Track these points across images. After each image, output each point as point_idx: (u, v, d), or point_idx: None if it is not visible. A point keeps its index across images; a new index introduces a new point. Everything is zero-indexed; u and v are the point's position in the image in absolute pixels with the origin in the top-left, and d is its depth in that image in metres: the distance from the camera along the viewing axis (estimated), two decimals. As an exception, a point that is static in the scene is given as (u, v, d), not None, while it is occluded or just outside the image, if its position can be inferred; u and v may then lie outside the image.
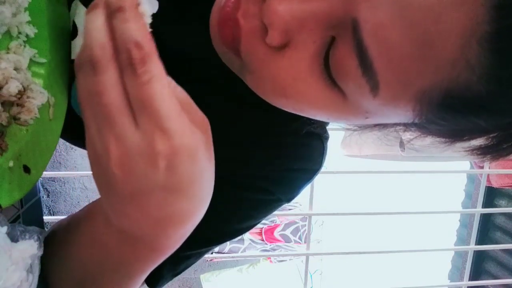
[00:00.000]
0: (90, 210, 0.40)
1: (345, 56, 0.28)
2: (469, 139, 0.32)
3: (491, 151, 0.32)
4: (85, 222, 0.39)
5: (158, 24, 0.41)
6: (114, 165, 0.26)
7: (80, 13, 0.41)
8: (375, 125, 0.38)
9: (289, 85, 0.32)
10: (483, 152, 0.32)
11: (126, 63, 0.25)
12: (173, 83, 0.28)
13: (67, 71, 0.43)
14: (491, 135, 0.31)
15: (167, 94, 0.26)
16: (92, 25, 0.26)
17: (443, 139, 0.33)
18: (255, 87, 0.35)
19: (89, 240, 0.38)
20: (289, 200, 0.49)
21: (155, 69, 0.26)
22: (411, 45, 0.26)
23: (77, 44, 0.42)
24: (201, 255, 0.50)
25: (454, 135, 0.32)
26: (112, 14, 0.26)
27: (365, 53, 0.27)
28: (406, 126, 0.35)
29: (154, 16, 0.40)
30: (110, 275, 0.37)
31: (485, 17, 0.23)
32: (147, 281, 0.47)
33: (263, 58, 0.32)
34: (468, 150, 0.34)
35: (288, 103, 0.34)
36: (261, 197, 0.48)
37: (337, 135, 1.68)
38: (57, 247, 0.40)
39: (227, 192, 0.47)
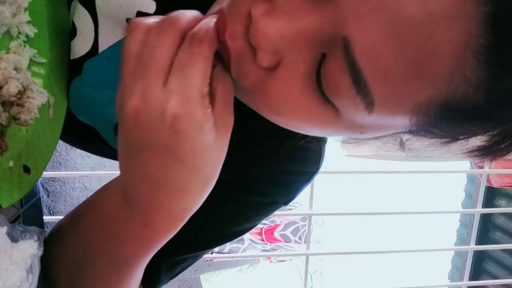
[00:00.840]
0: (99, 191, 0.41)
1: (337, 74, 0.28)
2: (466, 139, 0.32)
3: (489, 152, 0.32)
4: (95, 198, 0.41)
5: None
6: (130, 113, 0.29)
7: (79, 14, 0.41)
8: (371, 138, 0.37)
9: (282, 105, 0.32)
10: (481, 153, 0.32)
11: (190, 36, 0.29)
12: (227, 78, 0.32)
13: (67, 71, 0.43)
14: (488, 135, 0.31)
15: (204, 70, 0.29)
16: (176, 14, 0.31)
17: (440, 141, 0.33)
18: (250, 103, 0.35)
19: (93, 213, 0.39)
20: (286, 202, 0.49)
21: (206, 51, 0.29)
22: (404, 63, 0.25)
23: (77, 44, 0.42)
24: (197, 257, 0.50)
25: (450, 139, 0.32)
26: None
27: (359, 72, 0.27)
28: (403, 133, 0.35)
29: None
30: (106, 256, 0.38)
31: (479, 30, 0.23)
32: (144, 284, 0.47)
33: (254, 79, 0.32)
34: (466, 152, 0.34)
35: (281, 120, 0.34)
36: (258, 199, 0.48)
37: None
38: (61, 233, 0.41)
39: (224, 194, 0.47)
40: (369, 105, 0.28)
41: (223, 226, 0.48)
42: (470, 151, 0.33)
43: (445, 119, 0.28)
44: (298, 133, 0.47)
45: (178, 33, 0.30)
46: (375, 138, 0.37)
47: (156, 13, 0.41)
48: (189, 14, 0.31)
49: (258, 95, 0.33)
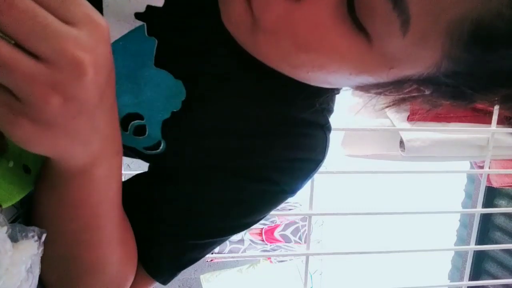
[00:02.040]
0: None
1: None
2: (497, 86, 0.30)
3: None
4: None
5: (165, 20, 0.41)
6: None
7: None
8: (393, 85, 0.35)
9: (311, 37, 0.30)
10: (509, 99, 0.31)
11: None
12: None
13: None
14: None
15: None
16: None
17: (465, 94, 0.32)
18: (270, 47, 0.34)
19: (44, 188, 0.37)
20: (293, 191, 0.49)
21: None
22: None
23: None
24: (204, 249, 0.49)
25: (483, 78, 0.31)
26: None
27: None
28: (426, 83, 0.33)
29: (161, 12, 0.40)
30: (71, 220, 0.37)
31: None
32: (151, 273, 0.46)
33: (280, 11, 0.30)
34: (492, 101, 0.32)
35: (308, 59, 0.32)
36: (266, 187, 0.47)
37: (337, 135, 1.68)
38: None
39: (232, 183, 0.47)
40: (404, 24, 0.27)
41: (232, 216, 0.48)
42: (498, 100, 0.32)
43: (479, 41, 0.27)
44: (303, 120, 0.47)
45: None
46: (396, 87, 0.35)
47: (165, 6, 0.41)
48: None
49: (283, 31, 0.31)
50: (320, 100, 0.47)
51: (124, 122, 0.44)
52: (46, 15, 0.24)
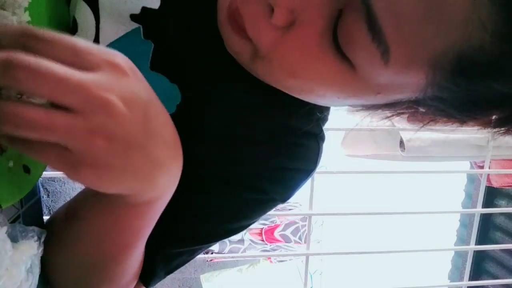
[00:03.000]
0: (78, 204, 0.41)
1: (353, 25, 0.28)
2: (485, 111, 0.31)
3: (509, 122, 0.31)
4: (81, 197, 0.40)
5: (164, 22, 0.41)
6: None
7: (81, 10, 0.41)
8: (385, 106, 0.36)
9: (299, 63, 0.32)
10: (500, 123, 0.32)
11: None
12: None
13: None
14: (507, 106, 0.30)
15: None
16: None
17: (455, 116, 0.32)
18: (266, 73, 0.35)
19: (95, 208, 0.38)
20: (283, 200, 0.49)
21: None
22: (420, 7, 0.25)
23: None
24: (193, 253, 0.49)
25: (468, 105, 0.31)
26: None
27: (374, 18, 0.27)
28: (417, 103, 0.34)
29: (157, 14, 0.41)
30: (98, 244, 0.38)
31: None
32: (141, 278, 0.47)
33: (271, 40, 0.32)
34: (485, 124, 0.33)
35: (297, 83, 0.34)
36: (256, 196, 0.48)
37: (337, 135, 1.68)
38: (57, 234, 0.41)
39: (221, 190, 0.47)
40: (384, 54, 0.28)
41: (220, 222, 0.48)
42: (488, 123, 0.32)
43: (461, 74, 0.28)
44: (296, 129, 0.47)
45: None
46: (388, 107, 0.36)
47: (160, 9, 0.41)
48: None
49: (273, 57, 0.32)
50: (316, 109, 0.47)
51: None
52: (65, 70, 0.25)
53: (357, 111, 0.40)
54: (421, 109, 0.35)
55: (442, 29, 0.26)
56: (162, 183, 0.33)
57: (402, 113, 0.38)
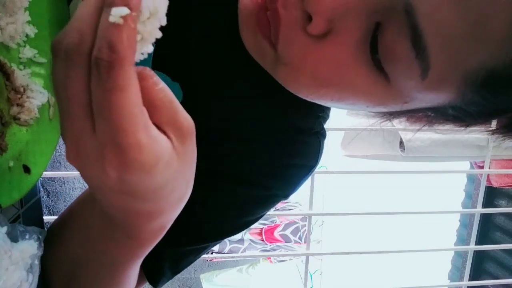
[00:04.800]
0: (81, 197, 0.41)
1: (396, 40, 0.28)
2: (497, 118, 0.33)
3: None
4: (76, 207, 0.40)
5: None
6: (71, 158, 0.25)
7: None
8: (405, 112, 0.37)
9: (332, 73, 0.31)
10: (507, 130, 0.33)
11: (93, 62, 0.22)
12: (156, 84, 0.25)
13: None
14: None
15: (129, 107, 0.22)
16: (80, 11, 0.23)
17: (468, 123, 0.34)
18: (290, 80, 0.35)
19: (78, 225, 0.38)
20: (286, 196, 0.49)
21: (121, 79, 0.22)
22: (465, 25, 0.26)
23: None
24: (200, 252, 0.50)
25: (487, 115, 0.32)
26: (105, 6, 0.22)
27: (420, 36, 0.27)
28: (435, 111, 0.35)
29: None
30: (95, 261, 0.37)
31: None
32: (149, 279, 0.47)
33: (303, 48, 0.31)
34: (489, 130, 0.34)
35: (328, 92, 0.33)
36: (258, 192, 0.48)
37: (337, 135, 1.68)
38: (52, 241, 0.40)
39: (224, 188, 0.47)
40: (425, 71, 0.28)
41: (225, 219, 0.48)
42: (495, 129, 0.34)
43: (490, 87, 0.28)
44: (298, 127, 0.48)
45: (84, 60, 0.22)
46: (408, 112, 0.37)
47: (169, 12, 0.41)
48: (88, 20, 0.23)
49: (305, 66, 0.32)
50: (318, 107, 0.47)
51: None
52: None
53: (376, 116, 0.40)
54: (431, 114, 0.36)
55: (482, 47, 0.27)
56: (154, 226, 0.31)
57: (412, 117, 0.38)
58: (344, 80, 0.32)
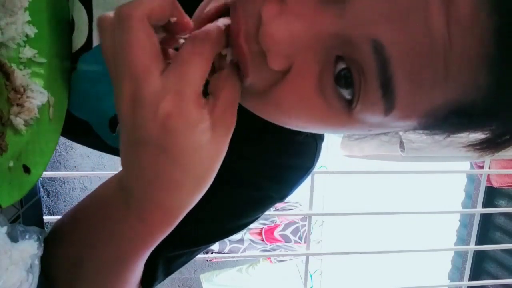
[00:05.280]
0: (100, 186, 0.41)
1: (362, 77, 0.28)
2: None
3: (490, 145, 0.32)
4: (94, 193, 0.41)
5: None
6: (124, 103, 0.28)
7: (76, 8, 0.41)
8: (377, 134, 0.38)
9: (294, 107, 0.32)
10: (482, 147, 0.33)
11: (193, 35, 0.29)
12: (235, 80, 0.31)
13: (69, 70, 0.43)
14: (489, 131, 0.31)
15: (202, 70, 0.29)
16: None
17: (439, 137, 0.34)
18: (257, 110, 0.35)
19: (92, 209, 0.39)
20: (281, 198, 0.49)
21: (209, 51, 0.29)
22: (432, 68, 0.26)
23: (75, 38, 0.43)
24: (192, 254, 0.50)
25: (454, 134, 0.33)
26: None
27: (390, 77, 0.26)
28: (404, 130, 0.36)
29: None
30: (104, 253, 0.38)
31: (490, 41, 0.24)
32: (141, 283, 0.47)
33: (268, 83, 0.31)
34: (467, 146, 0.34)
35: (291, 123, 0.34)
36: (253, 193, 0.48)
37: (337, 135, 1.68)
38: (61, 231, 0.41)
39: (220, 189, 0.47)
40: (388, 110, 0.28)
41: (219, 222, 0.48)
42: (470, 145, 0.34)
43: (451, 122, 0.29)
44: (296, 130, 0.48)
45: (145, 20, 0.28)
46: (378, 134, 0.38)
47: None
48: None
49: (270, 99, 0.32)
50: None
51: (112, 123, 0.44)
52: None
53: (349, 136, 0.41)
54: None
55: (447, 90, 0.27)
56: (170, 205, 0.33)
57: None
58: (305, 113, 0.32)
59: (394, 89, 0.27)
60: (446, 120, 0.29)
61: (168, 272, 0.49)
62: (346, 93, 0.29)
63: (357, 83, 0.28)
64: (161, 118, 0.28)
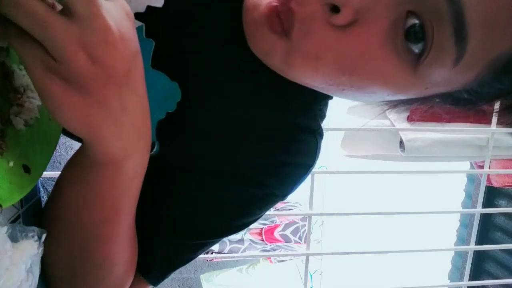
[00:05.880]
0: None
1: (435, 27, 0.28)
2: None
3: None
4: (67, 167, 0.40)
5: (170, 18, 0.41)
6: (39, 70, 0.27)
7: None
8: (419, 100, 0.37)
9: (357, 62, 0.31)
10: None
11: None
12: None
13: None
14: None
15: None
16: None
17: (477, 106, 0.34)
18: (308, 69, 0.34)
19: (70, 178, 0.38)
20: (283, 196, 0.49)
21: None
22: (506, 13, 0.27)
23: None
24: (195, 250, 0.49)
25: (499, 97, 0.33)
26: None
27: (463, 24, 0.27)
28: (449, 96, 0.35)
29: (160, 13, 0.41)
30: (92, 211, 0.37)
31: None
32: (140, 269, 0.47)
33: (324, 39, 0.32)
34: (498, 111, 0.35)
35: (349, 80, 0.33)
36: (256, 191, 0.48)
37: (337, 135, 1.68)
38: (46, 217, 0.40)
39: (222, 184, 0.47)
40: (458, 58, 0.29)
41: (221, 217, 0.48)
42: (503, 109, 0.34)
43: (507, 71, 0.30)
44: (295, 125, 0.48)
45: None
46: (424, 100, 0.37)
47: (164, 7, 0.41)
48: None
49: (327, 55, 0.32)
50: (315, 106, 0.47)
51: None
52: None
53: (388, 105, 0.40)
54: (439, 100, 0.36)
55: (509, 35, 0.28)
56: (127, 135, 0.32)
57: (417, 108, 0.39)
58: (369, 69, 0.32)
59: (467, 35, 0.28)
60: (503, 70, 0.29)
61: (169, 265, 0.48)
62: (416, 48, 0.29)
63: (429, 35, 0.29)
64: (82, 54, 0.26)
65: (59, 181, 0.40)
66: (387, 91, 0.35)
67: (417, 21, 0.29)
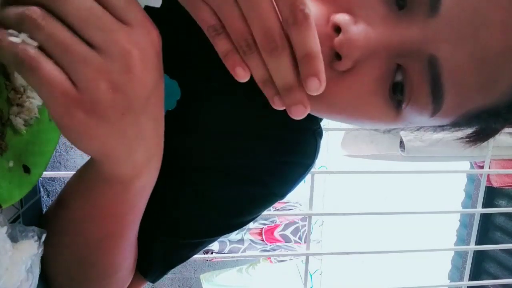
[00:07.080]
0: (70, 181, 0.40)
1: (416, 84, 0.32)
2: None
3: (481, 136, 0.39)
4: (67, 187, 0.40)
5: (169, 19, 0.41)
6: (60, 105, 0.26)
7: None
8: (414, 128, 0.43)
9: (348, 104, 0.35)
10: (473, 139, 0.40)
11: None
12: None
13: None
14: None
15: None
16: None
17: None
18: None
19: (76, 192, 0.38)
20: (282, 195, 0.50)
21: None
22: (479, 82, 0.31)
23: None
24: (193, 248, 0.49)
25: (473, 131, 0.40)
26: None
27: (440, 86, 0.31)
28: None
29: (158, 13, 0.41)
30: (91, 224, 0.37)
31: None
32: (138, 266, 0.47)
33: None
34: (460, 139, 0.41)
35: (340, 117, 0.37)
36: (255, 190, 0.48)
37: (337, 135, 1.68)
38: (49, 226, 0.40)
39: (221, 183, 0.47)
40: (435, 112, 0.33)
41: (220, 215, 0.48)
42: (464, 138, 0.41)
43: (477, 119, 0.35)
44: (294, 124, 0.48)
45: None
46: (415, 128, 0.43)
47: (163, 7, 0.41)
48: None
49: (323, 95, 0.33)
50: None
51: None
52: (102, 10, 0.26)
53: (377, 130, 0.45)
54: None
55: (486, 98, 0.32)
56: (139, 159, 0.32)
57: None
58: (358, 110, 0.35)
59: (443, 95, 0.32)
60: (473, 117, 0.34)
61: (167, 262, 0.49)
62: (399, 98, 0.34)
63: (408, 90, 0.33)
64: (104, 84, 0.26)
65: (64, 193, 0.39)
66: (372, 125, 0.40)
67: (401, 78, 0.33)
